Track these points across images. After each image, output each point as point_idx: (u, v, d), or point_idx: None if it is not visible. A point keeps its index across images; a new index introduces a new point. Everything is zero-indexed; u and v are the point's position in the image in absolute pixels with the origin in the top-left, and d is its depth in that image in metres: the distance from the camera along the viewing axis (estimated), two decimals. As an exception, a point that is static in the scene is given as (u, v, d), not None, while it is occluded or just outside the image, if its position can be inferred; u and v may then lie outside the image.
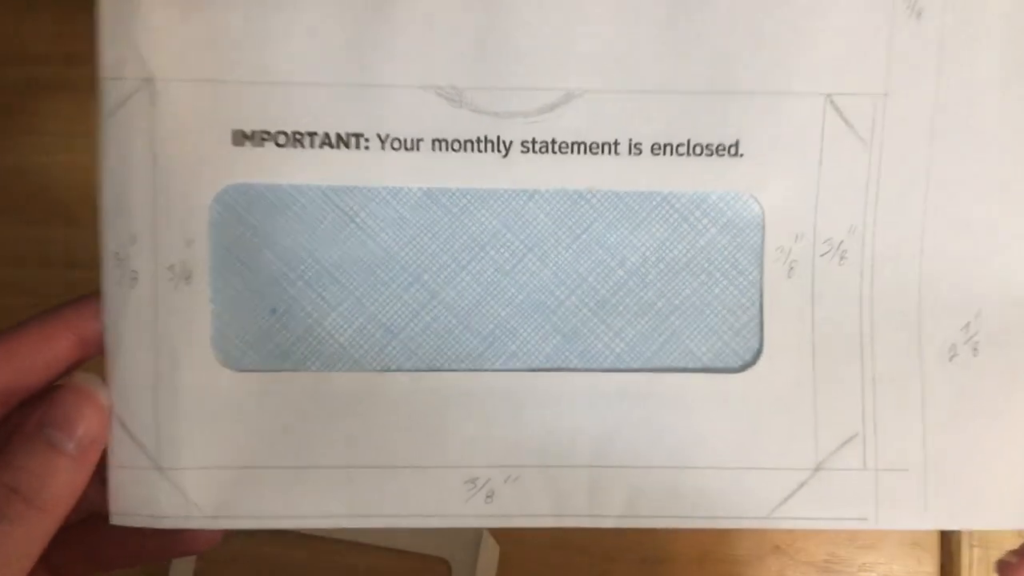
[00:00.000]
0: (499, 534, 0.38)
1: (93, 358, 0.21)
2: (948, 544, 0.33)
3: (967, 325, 0.22)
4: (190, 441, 0.21)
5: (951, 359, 0.22)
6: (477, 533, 0.37)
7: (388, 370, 0.21)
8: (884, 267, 0.21)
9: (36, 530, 0.19)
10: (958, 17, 0.21)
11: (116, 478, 0.21)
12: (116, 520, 0.21)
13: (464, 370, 0.21)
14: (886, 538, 0.34)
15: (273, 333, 0.21)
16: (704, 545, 0.37)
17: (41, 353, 0.20)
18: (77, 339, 0.21)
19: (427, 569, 0.37)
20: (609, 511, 0.21)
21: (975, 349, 0.22)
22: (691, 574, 0.37)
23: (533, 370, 0.21)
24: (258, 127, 0.21)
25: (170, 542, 0.22)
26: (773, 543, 0.36)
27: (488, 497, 0.21)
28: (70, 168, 0.39)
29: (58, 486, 0.19)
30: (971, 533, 0.34)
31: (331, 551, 0.37)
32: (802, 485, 0.21)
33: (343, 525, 0.21)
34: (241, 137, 0.21)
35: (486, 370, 0.21)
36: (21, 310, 0.38)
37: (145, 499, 0.21)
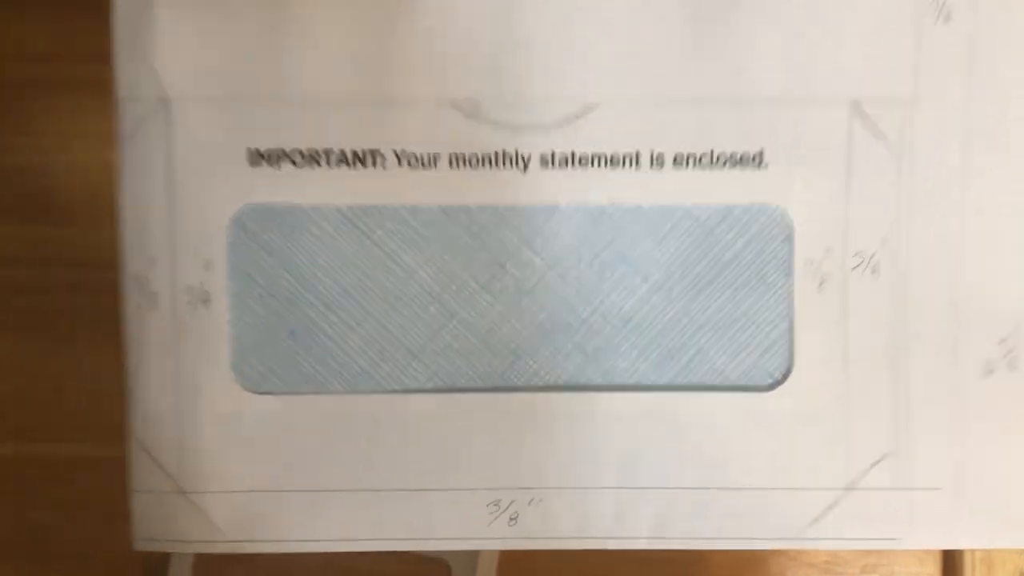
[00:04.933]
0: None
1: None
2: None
3: (1004, 339, 0.21)
4: (213, 465, 0.21)
5: (987, 375, 0.21)
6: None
7: (409, 391, 0.21)
8: (917, 280, 0.21)
9: None
10: (987, 20, 0.20)
11: (139, 503, 0.21)
12: (139, 545, 0.21)
13: (485, 390, 0.21)
14: (889, 540, 0.33)
15: (293, 356, 0.21)
16: (705, 546, 0.36)
17: None
18: None
19: (427, 571, 0.36)
20: (636, 533, 0.21)
21: (1012, 364, 0.21)
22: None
23: (555, 389, 0.21)
24: (274, 146, 0.20)
25: None
26: (775, 544, 0.35)
27: (512, 519, 0.21)
28: (70, 168, 0.36)
29: None
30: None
31: (332, 553, 0.38)
32: (833, 505, 0.21)
33: (367, 548, 0.21)
34: (257, 156, 0.20)
35: (508, 390, 0.21)
36: (21, 310, 0.37)
37: (169, 523, 0.21)
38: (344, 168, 0.21)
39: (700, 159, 0.21)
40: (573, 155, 0.21)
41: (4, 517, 0.36)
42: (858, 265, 0.21)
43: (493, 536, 0.21)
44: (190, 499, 0.21)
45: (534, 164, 0.21)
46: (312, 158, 0.21)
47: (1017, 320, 0.21)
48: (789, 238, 0.21)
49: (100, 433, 0.35)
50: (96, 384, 0.35)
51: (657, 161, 0.21)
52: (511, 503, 0.21)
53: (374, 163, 0.21)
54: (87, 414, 0.35)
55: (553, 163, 0.21)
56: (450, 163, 0.21)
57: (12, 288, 0.37)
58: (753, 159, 0.21)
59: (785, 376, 0.21)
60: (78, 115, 0.37)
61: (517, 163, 0.21)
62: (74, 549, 0.35)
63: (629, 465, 0.21)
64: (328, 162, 0.21)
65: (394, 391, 0.21)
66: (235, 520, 0.21)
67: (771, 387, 0.21)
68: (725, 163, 0.21)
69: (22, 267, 0.36)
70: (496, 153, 0.21)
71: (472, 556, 0.35)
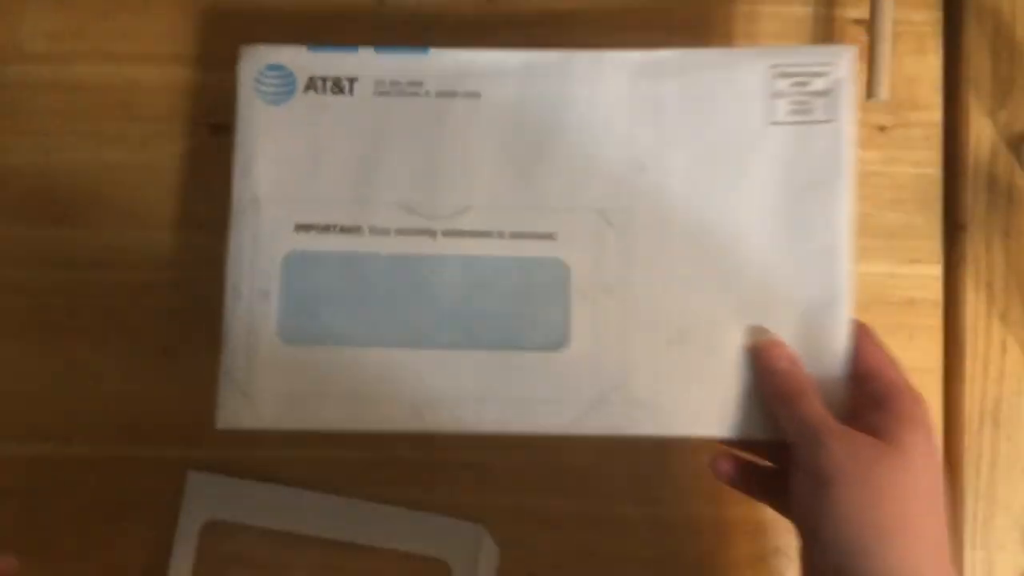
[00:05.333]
0: (499, 537, 0.40)
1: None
2: (950, 548, 0.32)
3: (681, 329, 0.41)
4: (263, 382, 0.39)
5: (677, 343, 0.40)
6: (477, 536, 0.39)
7: (369, 346, 0.40)
8: (637, 297, 0.41)
9: None
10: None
11: (222, 404, 0.39)
12: (221, 425, 0.39)
13: (411, 347, 0.40)
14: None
15: (309, 325, 0.40)
16: (705, 547, 0.39)
17: None
18: None
19: (428, 572, 0.39)
20: (486, 427, 0.40)
21: (683, 339, 0.41)
22: None
23: (446, 348, 0.40)
24: (307, 222, 0.41)
25: None
26: (774, 545, 0.37)
27: (420, 417, 0.40)
28: (70, 168, 0.39)
29: None
30: (974, 538, 0.37)
31: (332, 554, 0.40)
32: (587, 412, 0.40)
33: (347, 428, 0.39)
34: (299, 227, 0.41)
35: (423, 348, 0.40)
36: (21, 310, 0.40)
37: (235, 413, 0.39)
38: (342, 233, 0.41)
39: (523, 234, 0.41)
40: (459, 231, 0.41)
41: (5, 517, 0.40)
42: (604, 289, 0.41)
43: (411, 423, 0.39)
44: (249, 400, 0.39)
45: (439, 236, 0.41)
46: (325, 229, 0.41)
47: (685, 318, 0.41)
48: (568, 275, 0.41)
49: (100, 433, 0.41)
50: (96, 384, 0.41)
51: (501, 235, 0.41)
52: (421, 407, 0.40)
53: (358, 233, 0.41)
54: (87, 414, 0.41)
55: (449, 235, 0.41)
56: (396, 234, 0.41)
57: (12, 288, 0.38)
58: (549, 236, 0.41)
59: (565, 344, 0.41)
60: (77, 115, 0.39)
61: (431, 234, 0.41)
62: (74, 549, 0.40)
63: (484, 387, 0.40)
64: (334, 231, 0.41)
65: (362, 345, 0.40)
66: (273, 411, 0.39)
67: (557, 349, 0.40)
68: (536, 237, 0.41)
69: (22, 267, 0.38)
70: (419, 230, 0.41)
71: (472, 558, 0.38)
